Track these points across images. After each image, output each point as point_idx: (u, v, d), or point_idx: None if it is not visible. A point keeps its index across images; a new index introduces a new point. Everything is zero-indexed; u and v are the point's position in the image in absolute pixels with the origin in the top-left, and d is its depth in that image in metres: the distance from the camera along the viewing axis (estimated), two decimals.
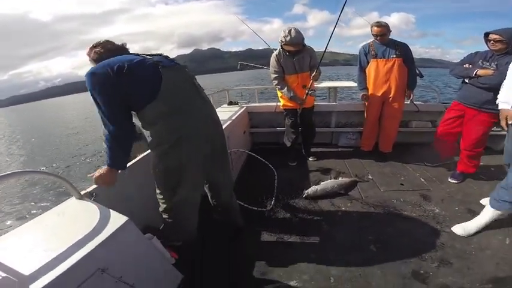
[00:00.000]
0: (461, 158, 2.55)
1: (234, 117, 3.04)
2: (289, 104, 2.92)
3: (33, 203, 5.62)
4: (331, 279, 1.54)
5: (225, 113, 3.18)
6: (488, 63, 2.21)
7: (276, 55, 2.73)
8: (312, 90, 2.79)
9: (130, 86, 1.22)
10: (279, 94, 2.97)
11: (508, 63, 2.01)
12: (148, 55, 1.38)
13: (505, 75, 1.95)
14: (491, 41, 2.15)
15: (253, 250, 1.81)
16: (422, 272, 1.54)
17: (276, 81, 2.81)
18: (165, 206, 1.47)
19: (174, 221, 1.49)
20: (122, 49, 1.41)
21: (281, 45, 2.66)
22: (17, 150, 13.12)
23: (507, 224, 1.87)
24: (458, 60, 2.49)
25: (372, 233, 1.91)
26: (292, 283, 1.53)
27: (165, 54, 1.44)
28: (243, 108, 3.60)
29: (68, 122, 22.54)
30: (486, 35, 2.20)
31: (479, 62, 2.26)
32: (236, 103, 3.85)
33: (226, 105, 3.83)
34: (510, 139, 1.83)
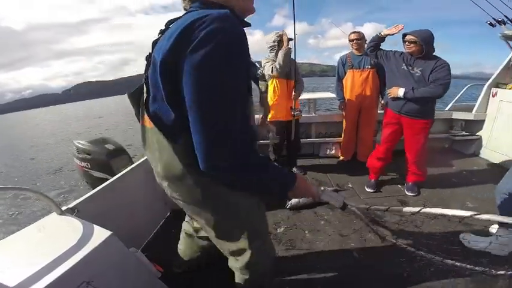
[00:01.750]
0: (410, 169, 2.51)
1: None
2: (277, 115, 2.80)
3: (0, 221, 5.26)
4: (318, 287, 1.56)
5: None
6: (411, 67, 2.17)
7: (268, 57, 2.72)
8: (297, 110, 2.78)
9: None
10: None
11: (434, 71, 2.06)
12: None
13: (445, 85, 2.01)
14: (406, 42, 2.12)
15: None
16: (405, 275, 1.59)
17: (269, 65, 2.63)
18: None
19: None
20: None
21: (276, 44, 2.62)
22: None
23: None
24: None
25: (354, 239, 1.95)
26: None
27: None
28: None
29: (40, 136, 21.41)
30: (404, 36, 2.16)
31: (404, 67, 2.21)
32: None
33: None
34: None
